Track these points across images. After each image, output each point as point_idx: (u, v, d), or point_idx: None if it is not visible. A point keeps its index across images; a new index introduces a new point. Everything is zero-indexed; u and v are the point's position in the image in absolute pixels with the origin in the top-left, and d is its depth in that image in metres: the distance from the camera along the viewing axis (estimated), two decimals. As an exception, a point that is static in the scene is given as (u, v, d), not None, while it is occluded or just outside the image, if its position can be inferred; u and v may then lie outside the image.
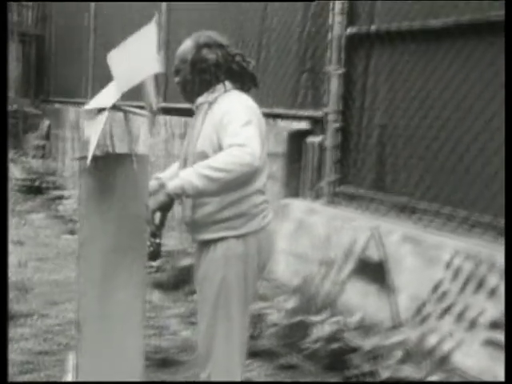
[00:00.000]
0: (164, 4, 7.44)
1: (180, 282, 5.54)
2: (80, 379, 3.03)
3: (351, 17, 4.47)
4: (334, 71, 4.54)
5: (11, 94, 12.56)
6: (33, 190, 9.40)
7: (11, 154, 11.21)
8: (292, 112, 5.07)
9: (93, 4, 9.88)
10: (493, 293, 3.25)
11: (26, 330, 4.62)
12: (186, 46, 3.03)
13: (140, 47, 2.83)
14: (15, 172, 10.22)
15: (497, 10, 3.43)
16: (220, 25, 5.87)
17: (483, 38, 3.54)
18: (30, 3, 14.11)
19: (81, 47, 10.56)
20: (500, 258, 3.25)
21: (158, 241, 2.89)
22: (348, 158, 4.54)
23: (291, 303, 4.48)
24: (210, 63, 2.96)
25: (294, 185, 4.89)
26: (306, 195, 4.84)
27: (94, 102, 3.14)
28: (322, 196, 4.69)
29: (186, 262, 5.40)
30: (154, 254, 2.89)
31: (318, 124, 4.81)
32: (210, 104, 2.92)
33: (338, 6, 4.51)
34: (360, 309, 4.06)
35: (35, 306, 5.10)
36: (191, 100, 3.06)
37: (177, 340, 4.66)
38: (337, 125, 4.55)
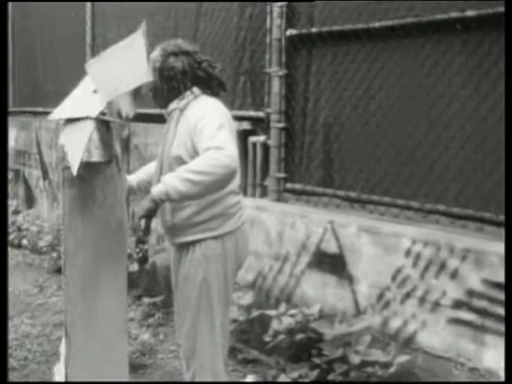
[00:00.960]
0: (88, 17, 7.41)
1: (131, 285, 5.55)
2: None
3: (290, 20, 4.61)
4: (274, 73, 4.69)
5: None
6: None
7: None
8: (232, 113, 5.16)
9: (10, 10, 9.53)
10: (454, 275, 3.49)
11: (-19, 348, 4.52)
12: (154, 54, 3.15)
13: (128, 56, 2.88)
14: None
15: (441, 12, 3.69)
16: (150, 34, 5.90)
17: (429, 38, 3.78)
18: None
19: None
20: (458, 241, 3.51)
21: (145, 247, 2.97)
22: (294, 156, 4.69)
23: (247, 299, 4.61)
24: (177, 71, 3.09)
25: (240, 183, 4.99)
26: (253, 193, 4.96)
27: (63, 112, 3.15)
28: (268, 194, 4.83)
29: (132, 268, 5.42)
30: (143, 260, 2.96)
31: (259, 124, 4.94)
32: (182, 110, 3.04)
33: (276, 9, 4.65)
34: (318, 300, 4.23)
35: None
36: (163, 106, 3.18)
37: (136, 344, 4.71)
38: (280, 125, 4.70)
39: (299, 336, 4.10)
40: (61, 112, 3.15)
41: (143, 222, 2.91)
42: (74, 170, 2.80)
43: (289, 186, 4.72)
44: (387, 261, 3.82)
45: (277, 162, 4.76)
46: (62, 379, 3.24)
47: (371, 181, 4.14)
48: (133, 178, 3.40)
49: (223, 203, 3.02)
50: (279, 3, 4.62)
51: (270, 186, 4.82)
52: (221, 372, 3.15)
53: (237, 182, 3.09)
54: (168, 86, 3.09)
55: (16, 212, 8.56)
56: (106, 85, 2.88)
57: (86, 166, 2.90)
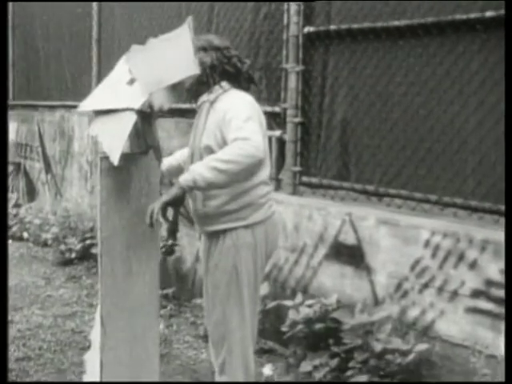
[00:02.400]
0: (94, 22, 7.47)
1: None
2: (104, 374, 3.16)
3: (308, 17, 4.72)
4: (291, 69, 4.79)
5: None
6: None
7: None
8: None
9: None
10: (473, 265, 3.61)
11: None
12: None
13: (173, 49, 2.98)
14: None
15: (461, 12, 3.80)
16: (163, 25, 6.00)
17: (448, 37, 3.89)
18: None
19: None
20: (477, 233, 3.63)
21: (170, 242, 3.04)
22: (310, 150, 4.80)
23: (263, 290, 4.70)
24: (206, 65, 3.21)
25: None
26: (268, 187, 5.06)
27: (95, 103, 3.23)
28: (283, 187, 4.94)
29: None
30: (167, 253, 3.06)
31: (275, 119, 5.04)
32: (212, 103, 3.16)
33: (293, 7, 4.75)
34: (336, 291, 4.34)
35: (-5, 314, 5.07)
36: (193, 99, 3.29)
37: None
38: (296, 119, 4.81)
39: (318, 326, 4.20)
40: (92, 103, 3.23)
41: (170, 212, 2.98)
42: (116, 161, 2.89)
43: (305, 179, 4.83)
44: (406, 252, 3.93)
45: (292, 156, 4.87)
46: (94, 366, 3.34)
47: (388, 174, 4.25)
48: (163, 164, 3.49)
49: (253, 193, 3.12)
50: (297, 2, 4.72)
51: (285, 179, 4.92)
52: (251, 359, 3.25)
53: (267, 172, 3.20)
54: (198, 80, 3.19)
55: (17, 205, 8.64)
56: (149, 76, 2.97)
57: (124, 156, 2.99)
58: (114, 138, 2.99)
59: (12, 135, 9.05)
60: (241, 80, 3.25)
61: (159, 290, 3.39)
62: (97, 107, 3.19)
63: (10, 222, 7.73)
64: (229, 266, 3.15)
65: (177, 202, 2.91)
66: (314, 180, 4.77)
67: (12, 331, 4.74)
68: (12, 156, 8.97)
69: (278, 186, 5.03)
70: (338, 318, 4.07)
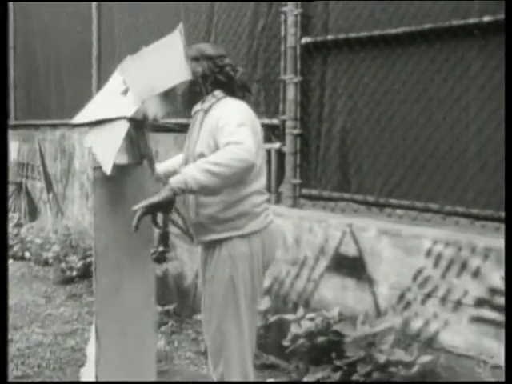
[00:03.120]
0: (93, 4, 7.44)
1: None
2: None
3: (305, 28, 4.69)
4: (289, 80, 4.75)
5: None
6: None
7: None
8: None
9: (12, 22, 9.61)
10: (476, 274, 3.55)
11: (-6, 357, 4.56)
12: None
13: (165, 55, 2.95)
14: None
15: (458, 17, 3.77)
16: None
17: (445, 43, 3.85)
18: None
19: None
20: (479, 241, 3.57)
21: (160, 249, 2.95)
22: (309, 162, 4.76)
23: (264, 305, 4.64)
24: (198, 75, 3.17)
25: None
26: (268, 200, 5.00)
27: (88, 115, 3.20)
28: (283, 200, 4.88)
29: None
30: (158, 260, 2.97)
31: (273, 131, 5.00)
32: (206, 111, 3.11)
33: (290, 18, 4.73)
34: (338, 304, 4.27)
35: (-4, 333, 5.01)
36: (188, 109, 3.25)
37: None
38: (295, 131, 4.76)
39: (320, 339, 4.13)
40: (85, 116, 3.20)
41: (160, 216, 2.87)
42: (108, 170, 2.85)
43: (305, 191, 4.77)
44: (408, 262, 3.87)
45: (292, 169, 4.82)
46: (89, 381, 3.28)
47: (389, 184, 4.20)
48: (160, 168, 3.44)
49: (248, 202, 3.07)
50: (294, 12, 4.69)
51: (285, 192, 4.87)
52: (250, 371, 3.18)
53: (262, 182, 3.15)
54: (190, 90, 3.17)
55: (19, 225, 8.60)
56: (141, 84, 2.94)
57: (117, 167, 2.95)
58: (107, 148, 2.95)
59: (14, 155, 9.04)
60: (234, 88, 3.21)
61: (155, 303, 3.33)
62: (90, 118, 3.16)
63: (11, 242, 7.69)
64: (225, 277, 3.09)
65: (167, 206, 2.77)
66: (314, 192, 4.72)
67: (11, 350, 4.68)
68: (14, 176, 8.95)
69: (278, 199, 4.98)
70: (339, 330, 3.99)
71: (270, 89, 5.07)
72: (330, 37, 4.51)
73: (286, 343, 4.34)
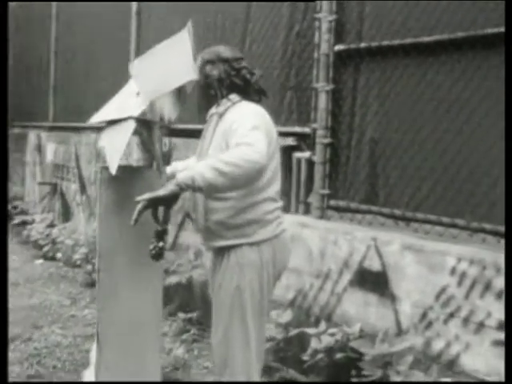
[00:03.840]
0: (133, 11, 7.46)
1: (166, 300, 5.52)
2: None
3: (339, 35, 4.57)
4: (321, 88, 4.64)
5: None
6: (-6, 215, 9.18)
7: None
8: (277, 129, 5.12)
9: (54, 26, 9.81)
10: (500, 295, 3.36)
11: (10, 355, 4.55)
12: (197, 62, 3.14)
13: (172, 55, 2.88)
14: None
15: (492, 26, 3.60)
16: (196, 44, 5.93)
17: (478, 52, 3.69)
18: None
19: (41, 70, 10.46)
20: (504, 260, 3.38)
21: (160, 244, 2.82)
22: (339, 172, 4.62)
23: (286, 317, 4.52)
24: (213, 79, 3.08)
25: (283, 200, 4.93)
26: (296, 210, 4.90)
27: (103, 115, 3.16)
28: (311, 211, 4.76)
29: (172, 279, 5.39)
30: (157, 257, 2.83)
31: (305, 140, 4.89)
32: (220, 115, 3.01)
33: (324, 25, 4.62)
34: (360, 319, 4.13)
35: (17, 331, 5.01)
36: (203, 113, 3.17)
37: (170, 359, 4.65)
38: (326, 140, 4.64)
39: (338, 355, 3.99)
40: (100, 116, 3.17)
41: (161, 210, 2.74)
42: (113, 170, 2.79)
43: (332, 202, 4.64)
44: (431, 280, 3.71)
45: (321, 179, 4.69)
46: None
47: (416, 198, 4.04)
48: (170, 169, 3.36)
49: (259, 209, 2.96)
50: (328, 18, 4.58)
51: (314, 202, 4.75)
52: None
53: (275, 188, 3.03)
54: (205, 93, 3.10)
55: (52, 225, 8.64)
56: (150, 84, 2.88)
57: (126, 169, 2.89)
58: (114, 148, 2.89)
59: (50, 156, 9.12)
60: (250, 92, 3.12)
61: (162, 310, 3.24)
62: (103, 119, 3.12)
63: (43, 242, 7.72)
64: (232, 285, 2.98)
65: (171, 201, 2.68)
66: (342, 203, 4.58)
67: (28, 348, 4.67)
68: (49, 177, 9.01)
69: (307, 210, 4.86)
70: (356, 348, 3.84)
71: (302, 97, 4.96)
72: (363, 44, 4.38)
73: (305, 358, 4.21)
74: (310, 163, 4.82)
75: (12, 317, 5.29)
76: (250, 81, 3.10)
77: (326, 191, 4.67)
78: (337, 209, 4.64)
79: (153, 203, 2.67)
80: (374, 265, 4.07)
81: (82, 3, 8.92)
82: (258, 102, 3.13)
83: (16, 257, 7.47)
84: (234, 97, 3.06)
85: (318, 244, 4.47)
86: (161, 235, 2.74)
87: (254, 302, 3.00)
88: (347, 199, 4.56)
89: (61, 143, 9.09)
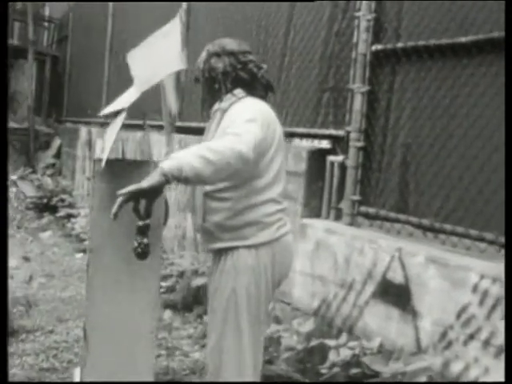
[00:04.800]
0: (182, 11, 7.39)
1: (192, 302, 5.41)
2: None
3: (377, 34, 4.37)
4: (357, 89, 4.43)
5: (23, 111, 12.52)
6: (43, 207, 9.30)
7: (21, 171, 11.13)
8: (313, 131, 4.96)
9: (110, 25, 9.90)
10: (523, 318, 3.09)
11: (27, 346, 4.50)
12: (201, 55, 2.99)
13: (163, 44, 2.75)
14: (26, 190, 10.12)
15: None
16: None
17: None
18: (47, 24, 14.18)
19: (96, 68, 10.56)
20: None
21: (145, 241, 2.62)
22: (370, 178, 4.41)
23: (308, 326, 4.33)
24: (218, 72, 2.90)
25: (315, 205, 4.76)
26: (327, 215, 4.70)
27: (112, 106, 3.07)
28: (342, 216, 4.56)
29: (198, 282, 5.26)
30: (142, 255, 2.63)
31: (339, 143, 4.69)
32: (224, 111, 2.85)
33: (363, 23, 4.42)
34: (380, 333, 3.91)
35: (40, 322, 4.98)
36: (207, 108, 3.01)
37: (187, 361, 4.52)
38: (359, 144, 4.43)
39: (353, 370, 3.78)
40: (108, 109, 3.08)
41: (143, 203, 2.46)
42: (102, 162, 2.68)
43: (363, 209, 4.43)
44: (453, 296, 3.46)
45: (353, 184, 4.49)
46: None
47: (445, 208, 3.79)
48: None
49: (259, 211, 2.79)
50: (367, 16, 4.38)
51: (345, 208, 4.54)
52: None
53: (277, 190, 2.85)
54: (209, 87, 2.94)
55: None
56: (142, 75, 2.76)
57: (121, 162, 2.78)
58: (108, 140, 2.79)
59: (98, 152, 9.14)
60: (257, 87, 2.94)
61: (157, 310, 3.11)
62: (107, 111, 3.03)
63: (84, 236, 7.70)
64: (227, 289, 2.82)
65: (155, 193, 2.42)
66: (371, 210, 4.36)
67: (48, 341, 4.60)
68: None
69: (339, 216, 4.66)
70: (369, 364, 3.62)
71: (339, 98, 4.76)
72: (399, 44, 4.16)
73: (323, 370, 4.01)
74: (343, 167, 4.62)
75: (39, 307, 5.28)
76: (256, 75, 2.93)
77: (357, 197, 4.46)
78: (367, 216, 4.43)
79: (136, 196, 2.42)
80: (397, 277, 3.84)
81: (136, 2, 8.94)
82: (265, 97, 2.96)
83: (57, 249, 7.48)
84: (238, 92, 2.89)
85: (344, 251, 4.26)
86: (144, 231, 2.54)
87: (251, 307, 2.83)
88: (377, 206, 4.34)
89: (111, 140, 9.11)
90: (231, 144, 2.46)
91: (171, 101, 2.97)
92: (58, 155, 11.93)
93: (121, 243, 2.87)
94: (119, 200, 2.41)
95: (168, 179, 2.39)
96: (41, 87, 14.05)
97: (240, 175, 2.63)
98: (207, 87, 2.95)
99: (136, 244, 2.56)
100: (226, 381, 2.86)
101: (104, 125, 9.47)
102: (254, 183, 2.76)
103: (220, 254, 2.87)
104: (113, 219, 2.43)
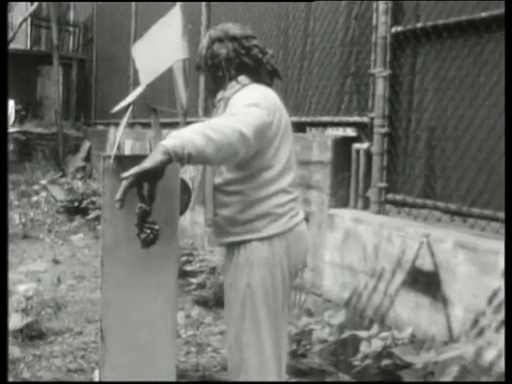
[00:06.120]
0: (203, 18, 7.36)
1: (222, 298, 5.34)
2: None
3: (396, 16, 4.25)
4: (379, 73, 4.32)
5: (51, 116, 12.59)
6: (73, 210, 9.33)
7: (51, 175, 11.19)
8: (337, 119, 4.86)
9: (133, 26, 9.90)
10: (556, 301, 2.96)
11: (56, 348, 4.47)
12: (203, 41, 2.87)
13: (164, 36, 2.68)
14: (56, 193, 10.17)
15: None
16: (261, 33, 5.73)
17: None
18: (71, 28, 14.27)
19: (122, 69, 10.57)
20: None
21: (157, 227, 2.48)
22: (396, 164, 4.29)
23: (339, 318, 4.24)
24: (221, 58, 2.78)
25: (342, 194, 4.65)
26: (355, 204, 4.60)
27: (122, 103, 3.01)
28: (370, 205, 4.45)
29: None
30: (151, 243, 2.49)
31: (364, 130, 4.59)
32: (228, 99, 2.73)
33: (381, 6, 4.30)
34: (411, 322, 3.80)
35: (68, 324, 4.96)
36: (211, 96, 2.91)
37: (217, 358, 4.46)
38: (383, 130, 4.32)
39: (385, 361, 3.68)
40: (120, 104, 3.03)
41: (146, 186, 2.28)
42: (111, 159, 2.62)
43: (390, 196, 4.32)
44: (483, 282, 3.33)
45: (379, 171, 4.38)
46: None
47: (472, 191, 3.66)
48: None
49: (270, 202, 2.70)
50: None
51: (372, 196, 4.43)
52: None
53: (287, 180, 2.74)
54: (213, 75, 2.83)
55: None
56: (145, 67, 2.69)
57: (131, 158, 2.71)
58: (117, 136, 2.73)
59: (127, 152, 9.12)
60: (262, 73, 2.81)
61: (176, 307, 3.04)
62: (118, 107, 2.97)
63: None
64: (243, 284, 2.73)
65: (158, 174, 2.25)
66: (398, 197, 4.24)
67: (76, 342, 4.57)
68: None
69: (366, 204, 4.55)
70: (401, 354, 3.52)
71: (361, 84, 4.65)
72: (418, 25, 4.04)
73: (355, 362, 3.92)
74: (369, 155, 4.51)
75: (68, 309, 5.26)
76: (261, 60, 2.81)
77: (384, 184, 4.35)
78: (394, 203, 4.32)
79: (140, 178, 2.23)
80: (426, 264, 3.72)
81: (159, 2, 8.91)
82: (270, 84, 2.85)
83: (87, 251, 7.48)
84: (243, 79, 2.77)
85: (373, 240, 4.16)
86: (141, 216, 2.35)
87: (268, 301, 2.74)
88: (404, 193, 4.23)
89: (137, 139, 9.09)
90: (232, 123, 2.37)
91: (181, 93, 2.89)
92: (87, 158, 11.99)
93: (134, 241, 2.81)
94: (124, 184, 2.25)
95: (171, 157, 2.23)
96: (68, 91, 14.15)
97: (246, 163, 2.57)
98: (210, 75, 2.84)
99: (148, 231, 2.41)
100: (248, 378, 2.78)
101: (131, 125, 9.47)
102: (263, 175, 2.67)
103: (233, 247, 2.78)
104: (118, 207, 2.27)
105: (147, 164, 2.21)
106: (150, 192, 2.30)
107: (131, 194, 2.70)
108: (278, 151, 2.67)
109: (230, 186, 2.70)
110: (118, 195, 2.24)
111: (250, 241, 2.71)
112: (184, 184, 2.77)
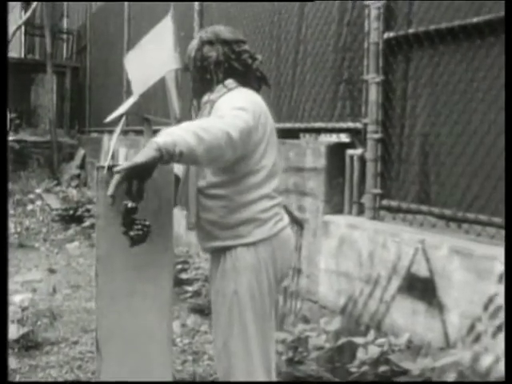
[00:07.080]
0: (195, 24, 7.36)
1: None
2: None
3: (388, 22, 4.25)
4: (372, 79, 4.32)
5: (45, 124, 12.58)
6: (68, 219, 9.31)
7: (46, 184, 11.17)
8: (330, 125, 4.85)
9: (126, 32, 9.90)
10: (552, 306, 2.96)
11: (52, 358, 4.45)
12: (192, 42, 2.86)
13: (156, 46, 2.67)
14: (51, 202, 10.15)
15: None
16: (254, 39, 5.74)
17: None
18: (65, 36, 14.27)
19: (116, 76, 10.57)
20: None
21: (147, 223, 2.46)
22: (390, 170, 4.29)
23: (335, 325, 4.24)
24: (211, 61, 2.77)
25: (337, 200, 4.65)
26: (349, 211, 4.59)
27: (115, 113, 3.00)
28: (365, 211, 4.45)
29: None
30: (141, 240, 2.48)
31: (357, 136, 4.58)
32: (214, 103, 2.72)
33: (373, 12, 4.31)
34: (407, 329, 3.79)
35: (64, 334, 4.93)
36: (197, 99, 2.90)
37: (214, 366, 4.44)
38: (377, 136, 4.32)
39: (382, 368, 3.67)
40: (112, 114, 3.02)
41: (135, 183, 2.24)
42: (105, 169, 2.61)
43: (384, 202, 4.31)
44: (479, 287, 3.33)
45: (373, 177, 4.37)
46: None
47: (467, 197, 3.66)
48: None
49: (254, 207, 2.68)
50: (377, 4, 4.27)
51: (367, 202, 4.43)
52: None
53: (272, 186, 2.74)
54: (201, 77, 2.81)
55: None
56: (138, 77, 2.69)
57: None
58: (110, 146, 2.73)
59: (122, 160, 9.12)
60: (250, 78, 2.81)
61: (171, 316, 3.03)
62: (110, 117, 2.96)
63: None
64: (229, 290, 2.72)
65: (149, 170, 2.22)
66: (393, 203, 4.24)
67: (72, 352, 4.55)
68: None
69: (361, 210, 4.55)
70: (396, 361, 3.51)
71: (354, 90, 4.65)
72: (411, 30, 4.04)
73: (352, 369, 3.91)
74: (363, 161, 4.50)
75: (63, 319, 5.24)
76: (250, 66, 2.80)
77: (378, 190, 4.35)
78: (389, 209, 4.31)
79: (132, 173, 2.20)
80: (421, 270, 3.72)
81: (151, 5, 8.91)
82: (258, 90, 2.84)
83: (83, 259, 7.46)
84: (230, 82, 2.75)
85: (368, 246, 4.15)
86: (134, 214, 2.33)
87: (255, 307, 2.73)
88: (398, 199, 4.22)
89: (131, 147, 9.09)
90: (220, 125, 2.36)
91: (174, 103, 2.88)
92: (82, 166, 11.98)
93: (129, 251, 2.80)
94: (115, 178, 2.22)
95: (162, 154, 2.21)
96: (62, 99, 14.15)
97: (230, 167, 2.56)
98: (198, 77, 2.82)
99: (139, 227, 2.38)
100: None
101: (125, 133, 9.45)
102: (249, 180, 2.67)
103: (218, 253, 2.77)
104: (110, 204, 2.25)
105: (139, 159, 2.19)
106: (139, 190, 2.27)
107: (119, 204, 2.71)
108: (263, 156, 2.66)
109: (213, 190, 2.68)
110: (110, 190, 2.22)
111: (235, 247, 2.70)
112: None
